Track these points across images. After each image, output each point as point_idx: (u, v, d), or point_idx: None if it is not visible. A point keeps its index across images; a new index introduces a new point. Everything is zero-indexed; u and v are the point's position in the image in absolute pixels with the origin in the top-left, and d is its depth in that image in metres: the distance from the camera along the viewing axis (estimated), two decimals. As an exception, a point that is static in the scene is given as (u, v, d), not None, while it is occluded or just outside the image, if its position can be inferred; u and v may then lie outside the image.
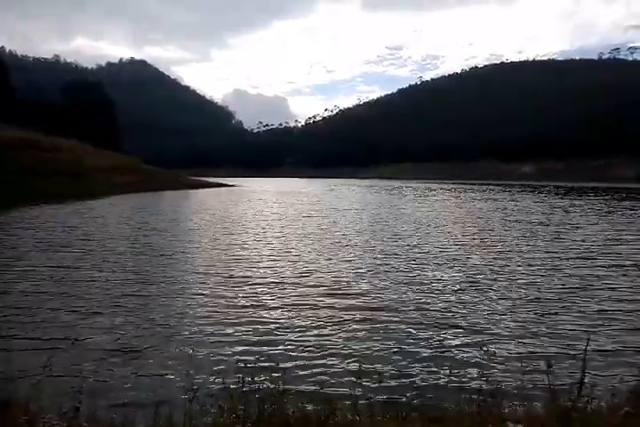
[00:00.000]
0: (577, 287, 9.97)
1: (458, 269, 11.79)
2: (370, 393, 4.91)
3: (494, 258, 13.28)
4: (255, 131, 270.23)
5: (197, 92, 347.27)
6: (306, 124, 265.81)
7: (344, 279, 10.54)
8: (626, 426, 3.36)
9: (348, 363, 5.98)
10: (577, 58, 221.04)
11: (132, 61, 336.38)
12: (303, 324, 7.49)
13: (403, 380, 5.52)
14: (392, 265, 12.18)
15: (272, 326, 7.41)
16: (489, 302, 8.84)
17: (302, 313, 8.05)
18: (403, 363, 6.03)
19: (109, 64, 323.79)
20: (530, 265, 12.28)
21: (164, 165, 76.59)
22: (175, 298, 8.88)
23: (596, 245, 15.66)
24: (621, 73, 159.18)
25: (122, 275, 10.69)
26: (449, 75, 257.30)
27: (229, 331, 7.12)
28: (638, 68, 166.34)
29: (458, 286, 9.96)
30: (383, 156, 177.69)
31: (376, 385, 5.27)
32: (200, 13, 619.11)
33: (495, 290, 9.70)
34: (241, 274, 10.91)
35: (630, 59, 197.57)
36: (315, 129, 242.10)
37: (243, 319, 7.67)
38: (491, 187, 75.76)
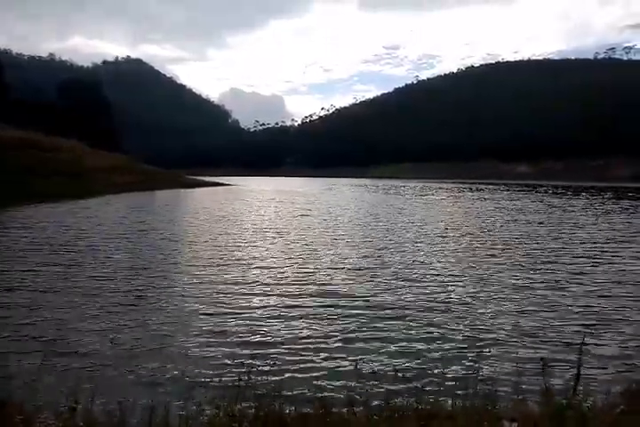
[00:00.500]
0: (573, 286, 10.01)
1: (455, 268, 11.81)
2: (366, 392, 4.93)
3: (491, 257, 13.31)
4: (252, 130, 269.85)
5: (194, 90, 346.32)
6: (302, 123, 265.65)
7: (341, 278, 10.55)
8: (620, 424, 3.38)
9: (344, 362, 5.99)
10: (573, 58, 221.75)
11: (129, 60, 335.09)
12: (299, 324, 7.49)
13: (398, 378, 5.53)
14: (390, 264, 12.20)
15: (267, 325, 7.40)
16: (484, 300, 8.87)
17: (298, 313, 8.04)
18: (398, 362, 6.04)
19: (105, 62, 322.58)
20: (525, 263, 12.32)
21: (161, 164, 76.40)
22: (170, 298, 8.86)
23: (593, 245, 15.72)
24: (617, 73, 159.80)
25: (116, 274, 10.67)
26: (445, 74, 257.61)
27: (225, 331, 7.11)
28: (634, 68, 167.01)
29: (454, 286, 9.98)
30: (382, 155, 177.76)
31: (372, 384, 5.28)
32: (196, 12, 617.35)
33: (490, 289, 9.72)
34: (236, 274, 10.89)
35: (626, 58, 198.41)
36: (312, 128, 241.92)
37: (238, 319, 7.66)
38: (490, 186, 75.87)
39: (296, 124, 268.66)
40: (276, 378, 5.33)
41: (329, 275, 10.85)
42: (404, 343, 6.68)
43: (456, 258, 13.18)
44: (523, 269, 11.76)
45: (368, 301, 8.80)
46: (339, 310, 8.16)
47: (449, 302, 8.70)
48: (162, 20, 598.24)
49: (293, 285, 9.90)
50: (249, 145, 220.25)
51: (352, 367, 5.70)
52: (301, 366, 5.88)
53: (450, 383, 5.30)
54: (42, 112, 68.91)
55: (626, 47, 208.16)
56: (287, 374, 5.54)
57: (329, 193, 53.58)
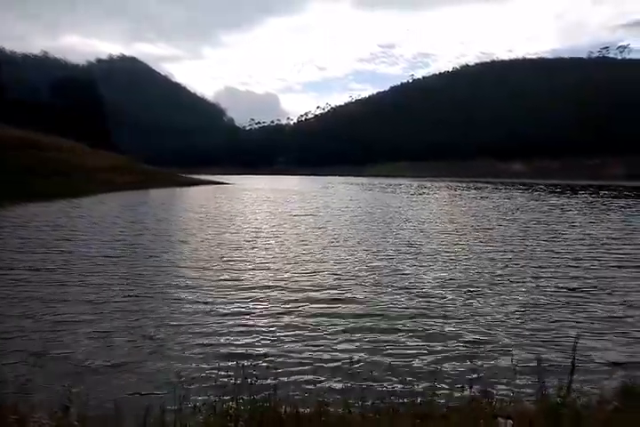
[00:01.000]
0: (568, 286, 10.05)
1: (451, 268, 11.84)
2: (361, 390, 4.93)
3: (487, 257, 13.35)
4: (247, 128, 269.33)
5: (188, 89, 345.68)
6: (298, 121, 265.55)
7: (337, 279, 10.54)
8: (614, 421, 3.40)
9: (340, 361, 5.99)
10: (567, 57, 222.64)
11: (123, 58, 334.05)
12: (294, 323, 7.48)
13: (393, 377, 5.54)
14: (387, 264, 12.21)
15: (263, 324, 7.39)
16: (480, 299, 8.89)
17: (292, 312, 8.04)
18: (393, 360, 6.05)
19: (100, 61, 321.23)
20: (521, 262, 12.37)
21: (156, 162, 76.23)
22: (164, 299, 8.83)
23: (590, 243, 15.79)
24: (611, 72, 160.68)
25: (109, 274, 10.63)
26: (440, 73, 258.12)
27: (220, 330, 7.09)
28: (628, 67, 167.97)
29: (450, 285, 10.00)
30: (378, 154, 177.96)
31: (367, 383, 5.29)
32: (191, 11, 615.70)
33: (486, 288, 9.75)
34: (230, 275, 10.80)
35: (619, 57, 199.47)
36: (307, 127, 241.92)
37: (233, 320, 7.64)
38: (488, 185, 76.04)
39: (291, 122, 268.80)
40: (272, 377, 5.33)
41: (324, 276, 10.82)
42: (399, 343, 6.69)
43: (453, 258, 13.20)
44: (519, 268, 11.80)
45: (364, 301, 8.79)
46: (334, 311, 8.15)
47: (444, 303, 8.72)
48: (156, 19, 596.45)
49: (289, 286, 9.84)
50: (244, 144, 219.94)
51: (347, 367, 5.70)
52: (296, 365, 5.88)
53: (445, 382, 5.32)
54: (35, 111, 68.53)
55: (620, 46, 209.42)
56: (282, 374, 5.53)
57: (325, 192, 53.53)
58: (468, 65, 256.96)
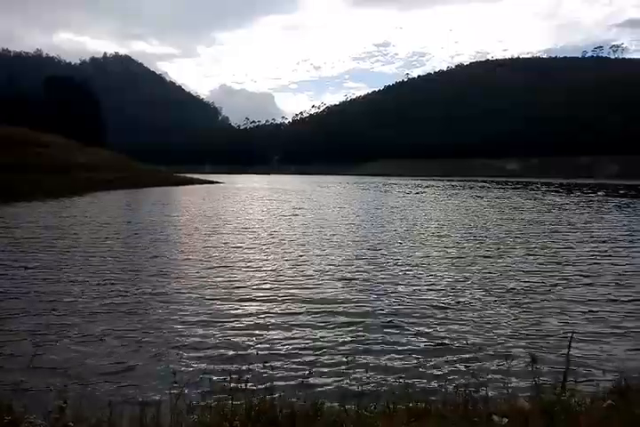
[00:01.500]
0: (564, 284, 10.11)
1: (444, 266, 11.88)
2: (357, 389, 4.94)
3: (481, 255, 13.40)
4: (242, 127, 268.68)
5: (183, 87, 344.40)
6: (293, 120, 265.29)
7: (332, 280, 10.54)
8: (608, 419, 3.42)
9: (336, 360, 5.99)
10: (561, 56, 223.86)
11: (117, 56, 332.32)
12: (289, 322, 7.48)
13: (389, 375, 5.55)
14: (382, 264, 12.23)
15: (258, 323, 7.38)
16: (475, 296, 8.92)
17: (288, 311, 8.04)
18: (389, 358, 6.07)
19: (93, 59, 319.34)
20: (516, 261, 12.42)
21: (149, 161, 76.01)
22: (159, 298, 8.81)
23: (581, 242, 15.88)
24: (604, 71, 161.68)
25: (103, 275, 10.59)
26: (435, 72, 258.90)
27: (215, 330, 7.08)
28: (621, 66, 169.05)
29: (444, 282, 10.03)
30: (373, 153, 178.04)
31: (363, 381, 5.30)
32: (186, 9, 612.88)
33: (482, 285, 9.79)
34: (225, 276, 10.77)
35: (613, 57, 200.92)
36: (302, 125, 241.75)
37: (228, 318, 7.64)
38: (484, 184, 76.29)
39: (287, 121, 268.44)
40: (267, 376, 5.33)
41: (320, 277, 10.81)
42: (395, 342, 6.70)
43: (449, 258, 13.23)
44: (515, 268, 11.84)
45: (359, 301, 8.80)
46: (330, 311, 8.13)
47: (440, 302, 8.74)
48: (151, 17, 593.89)
49: (285, 286, 9.78)
50: (239, 142, 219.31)
51: (343, 365, 5.71)
52: (292, 364, 5.88)
53: (441, 380, 5.34)
54: (27, 108, 68.04)
55: (613, 46, 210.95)
56: (278, 374, 5.53)
57: (320, 191, 53.55)
58: (463, 64, 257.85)
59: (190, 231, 17.71)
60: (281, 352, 6.24)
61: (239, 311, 7.97)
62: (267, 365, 5.54)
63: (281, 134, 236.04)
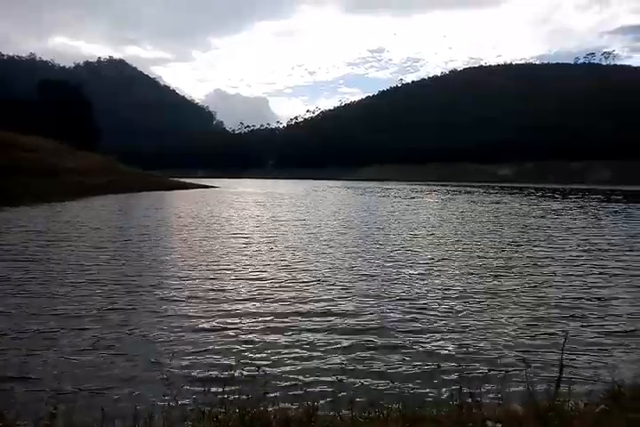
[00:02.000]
0: (556, 286, 10.15)
1: (437, 269, 11.89)
2: (351, 394, 4.92)
3: (476, 258, 13.44)
4: (237, 131, 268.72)
5: (177, 92, 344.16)
6: (288, 125, 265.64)
7: (325, 286, 10.53)
8: (602, 423, 3.43)
9: (330, 365, 5.97)
10: (554, 62, 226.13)
11: (111, 60, 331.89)
12: (282, 327, 7.45)
13: (383, 380, 5.54)
14: (377, 267, 12.23)
15: (251, 331, 7.33)
16: (468, 301, 8.94)
17: (281, 317, 8.00)
18: (383, 363, 6.05)
19: (87, 63, 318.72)
20: (509, 264, 12.46)
21: (143, 165, 75.73)
22: (152, 304, 8.75)
23: (577, 246, 15.96)
24: (596, 77, 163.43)
25: (95, 277, 10.52)
26: (429, 77, 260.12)
27: (209, 335, 7.04)
28: (612, 73, 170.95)
29: (439, 290, 10.03)
30: (367, 158, 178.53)
31: (357, 386, 5.28)
32: (181, 14, 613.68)
33: (475, 290, 9.80)
34: (220, 283, 10.75)
35: (604, 63, 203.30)
36: (297, 130, 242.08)
37: (221, 324, 7.60)
38: (480, 189, 76.59)
39: (281, 126, 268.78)
40: (261, 381, 5.30)
41: (314, 282, 10.79)
42: (388, 347, 6.69)
43: (444, 262, 13.26)
44: (511, 271, 11.88)
45: (353, 305, 8.79)
46: (323, 318, 8.10)
47: (434, 307, 8.74)
48: (146, 22, 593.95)
49: (277, 293, 9.70)
50: (234, 146, 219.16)
51: (337, 370, 5.69)
52: (286, 369, 5.85)
53: (435, 386, 5.33)
54: (20, 112, 67.69)
55: (605, 52, 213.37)
56: (272, 378, 5.50)
57: (314, 195, 53.57)
58: (456, 70, 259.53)
59: (183, 238, 17.56)
60: (274, 359, 6.20)
61: (232, 319, 7.89)
62: (260, 372, 5.51)
63: (276, 139, 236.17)
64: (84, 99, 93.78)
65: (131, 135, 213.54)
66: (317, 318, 7.87)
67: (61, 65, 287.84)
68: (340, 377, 5.37)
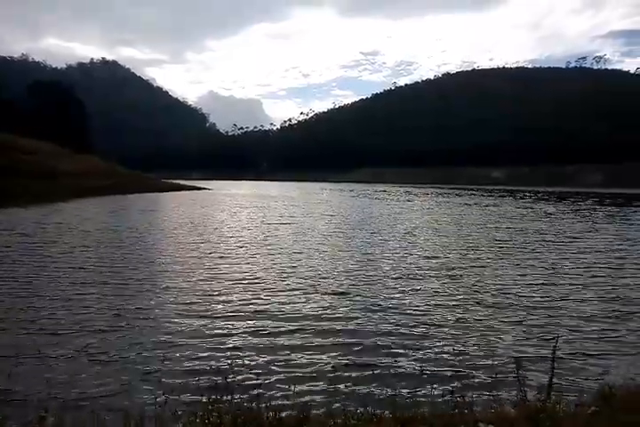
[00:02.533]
0: (548, 292, 10.20)
1: (432, 271, 11.92)
2: (343, 396, 4.92)
3: (470, 260, 13.48)
4: (230, 133, 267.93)
5: (170, 93, 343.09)
6: (281, 127, 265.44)
7: (317, 282, 10.53)
8: (593, 424, 3.45)
9: (323, 368, 5.96)
10: (546, 66, 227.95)
11: (104, 62, 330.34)
12: (276, 330, 7.43)
13: (376, 382, 5.54)
14: (374, 269, 12.24)
15: (244, 335, 7.29)
16: (461, 304, 8.96)
17: (274, 319, 7.99)
18: (376, 366, 6.05)
19: (80, 64, 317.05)
20: (504, 267, 12.52)
21: (137, 167, 75.47)
22: (145, 305, 8.71)
23: (569, 252, 16.06)
24: (587, 81, 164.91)
25: (88, 276, 10.45)
26: (422, 80, 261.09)
27: (202, 338, 7.01)
28: (603, 77, 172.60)
29: (433, 293, 10.05)
30: (361, 160, 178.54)
31: (350, 389, 5.28)
32: (175, 15, 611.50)
33: (468, 292, 9.83)
34: (213, 286, 10.71)
35: (596, 67, 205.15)
36: (291, 132, 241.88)
37: (215, 327, 7.57)
38: (474, 192, 76.85)
39: (275, 128, 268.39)
40: (254, 384, 5.28)
41: (306, 287, 10.76)
42: (382, 350, 6.69)
43: (439, 269, 13.29)
44: (502, 278, 11.93)
45: (346, 310, 8.79)
46: (315, 315, 8.12)
47: (428, 311, 8.76)
48: (139, 23, 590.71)
49: (270, 298, 9.61)
50: (228, 148, 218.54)
51: (330, 373, 5.69)
52: (279, 372, 5.83)
53: (427, 388, 5.33)
54: (12, 113, 67.17)
55: (596, 57, 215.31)
56: (265, 381, 5.49)
57: (308, 198, 53.53)
58: (449, 73, 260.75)
59: (175, 241, 17.40)
60: (268, 363, 6.17)
61: (224, 323, 7.83)
62: (253, 373, 5.50)
63: (270, 141, 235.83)
64: (76, 101, 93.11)
65: (123, 137, 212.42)
66: (311, 322, 7.85)
67: (54, 66, 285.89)
68: (333, 381, 5.37)
